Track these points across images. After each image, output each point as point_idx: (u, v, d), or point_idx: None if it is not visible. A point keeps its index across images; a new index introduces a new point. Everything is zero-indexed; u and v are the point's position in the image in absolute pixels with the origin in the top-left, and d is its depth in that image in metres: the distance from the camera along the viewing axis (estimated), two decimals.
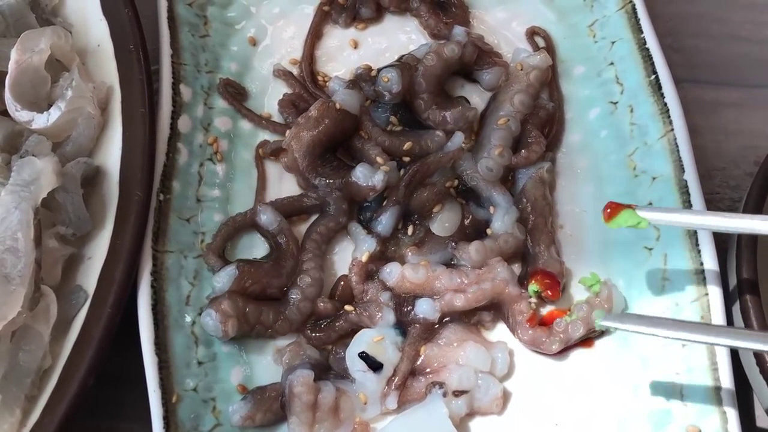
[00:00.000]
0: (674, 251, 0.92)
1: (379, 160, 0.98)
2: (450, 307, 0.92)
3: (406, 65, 1.03)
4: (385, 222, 0.96)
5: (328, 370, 0.92)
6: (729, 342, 0.79)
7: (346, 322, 0.93)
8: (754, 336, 0.79)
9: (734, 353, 0.87)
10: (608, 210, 0.85)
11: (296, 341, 0.93)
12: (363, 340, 0.91)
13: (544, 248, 0.96)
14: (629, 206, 0.85)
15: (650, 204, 0.96)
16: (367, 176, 0.96)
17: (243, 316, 0.91)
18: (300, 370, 0.88)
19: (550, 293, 0.93)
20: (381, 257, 0.97)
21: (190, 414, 0.86)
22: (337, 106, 0.99)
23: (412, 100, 1.03)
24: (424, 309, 0.93)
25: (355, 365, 0.90)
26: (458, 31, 1.06)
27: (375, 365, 0.89)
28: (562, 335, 0.91)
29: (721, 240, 0.95)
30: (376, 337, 0.91)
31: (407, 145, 1.00)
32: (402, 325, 0.93)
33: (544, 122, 1.03)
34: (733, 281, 0.88)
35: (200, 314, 0.92)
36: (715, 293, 0.88)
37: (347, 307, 0.94)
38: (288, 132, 1.00)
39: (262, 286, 0.94)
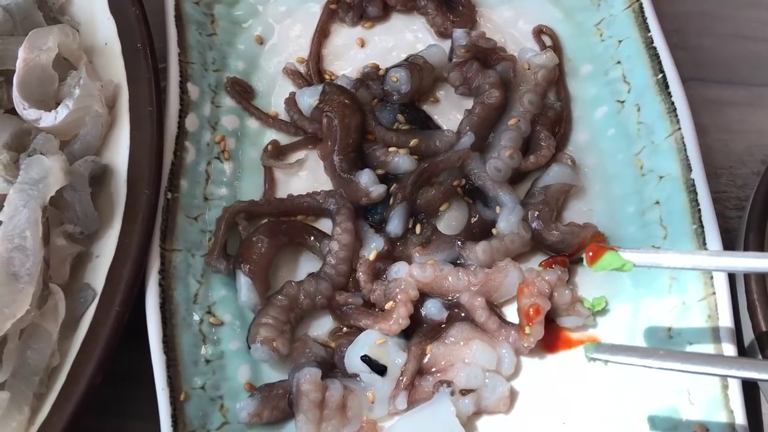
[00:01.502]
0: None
1: (391, 150, 0.99)
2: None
3: (414, 65, 1.03)
4: (395, 221, 0.96)
5: (333, 368, 0.92)
6: (735, 372, 0.78)
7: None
8: (748, 364, 0.78)
9: (741, 350, 0.87)
10: (590, 253, 0.81)
11: (302, 339, 0.93)
12: (365, 343, 0.91)
13: (553, 227, 0.97)
14: (612, 248, 0.81)
15: (657, 203, 0.96)
16: (369, 183, 0.96)
17: (285, 325, 0.91)
18: (308, 368, 0.88)
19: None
20: (388, 256, 0.97)
21: (198, 412, 0.86)
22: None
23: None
24: (431, 310, 0.93)
25: (357, 368, 0.90)
26: (458, 33, 1.06)
27: (378, 368, 0.89)
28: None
29: (728, 239, 0.95)
30: (379, 340, 0.91)
31: (413, 142, 1.00)
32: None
33: (553, 122, 1.04)
34: (740, 279, 0.88)
35: (208, 312, 0.92)
36: (722, 292, 0.88)
37: (388, 306, 0.93)
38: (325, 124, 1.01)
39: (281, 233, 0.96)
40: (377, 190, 0.96)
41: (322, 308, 0.95)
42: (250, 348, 0.91)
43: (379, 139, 1.01)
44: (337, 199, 0.97)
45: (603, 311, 0.95)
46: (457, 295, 0.94)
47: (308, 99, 1.02)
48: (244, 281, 0.92)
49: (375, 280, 0.95)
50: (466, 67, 1.04)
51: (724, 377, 0.84)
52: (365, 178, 0.97)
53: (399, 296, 0.92)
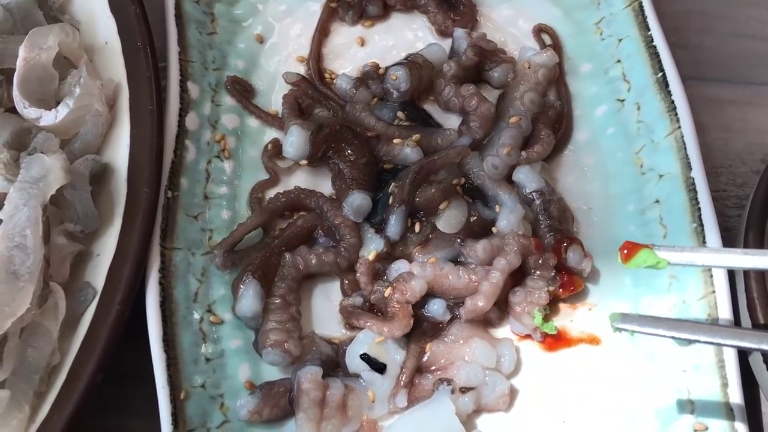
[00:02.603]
0: None
1: (396, 141, 0.99)
2: (475, 311, 0.92)
3: (414, 64, 1.03)
4: (394, 225, 0.96)
5: (337, 366, 0.92)
6: (751, 345, 0.78)
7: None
8: None
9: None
10: (625, 251, 0.80)
11: (309, 336, 0.93)
12: (364, 341, 0.91)
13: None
14: (647, 246, 0.80)
15: (657, 202, 0.96)
16: (349, 205, 0.96)
17: (289, 323, 0.91)
18: (309, 366, 0.88)
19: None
20: (388, 257, 0.96)
21: (198, 410, 0.86)
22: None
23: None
24: (436, 310, 0.93)
25: (356, 366, 0.90)
26: (459, 33, 1.07)
27: (377, 366, 0.90)
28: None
29: (728, 239, 0.95)
30: (378, 338, 0.91)
31: (416, 137, 1.00)
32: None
33: (554, 121, 1.04)
34: (740, 278, 0.88)
35: (208, 311, 0.92)
36: (722, 290, 0.88)
37: (387, 292, 0.93)
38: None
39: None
40: (350, 216, 0.96)
41: (305, 275, 0.95)
42: (261, 355, 0.90)
43: (381, 135, 1.01)
44: (325, 202, 0.98)
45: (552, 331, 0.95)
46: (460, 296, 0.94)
47: (293, 151, 1.00)
48: (255, 292, 0.92)
49: (375, 281, 0.95)
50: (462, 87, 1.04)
51: (755, 351, 0.84)
52: (351, 199, 0.96)
53: (397, 292, 0.92)
